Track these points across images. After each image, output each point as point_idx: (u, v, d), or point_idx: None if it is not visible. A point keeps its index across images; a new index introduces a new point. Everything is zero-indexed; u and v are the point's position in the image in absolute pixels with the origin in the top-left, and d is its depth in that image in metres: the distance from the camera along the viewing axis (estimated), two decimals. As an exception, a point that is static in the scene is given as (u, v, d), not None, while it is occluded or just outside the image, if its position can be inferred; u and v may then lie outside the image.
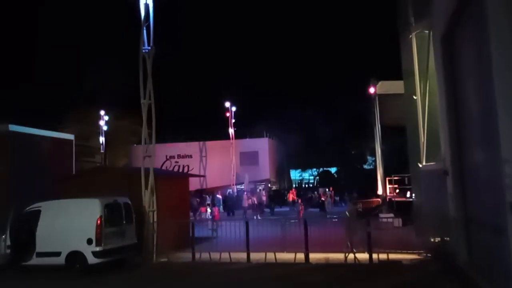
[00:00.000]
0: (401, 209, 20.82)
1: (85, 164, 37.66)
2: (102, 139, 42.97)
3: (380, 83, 20.83)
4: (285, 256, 12.94)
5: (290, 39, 63.26)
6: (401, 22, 14.59)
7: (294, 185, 44.90)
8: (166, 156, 46.84)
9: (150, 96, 14.78)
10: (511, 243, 6.98)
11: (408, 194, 23.94)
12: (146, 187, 14.30)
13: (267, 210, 32.23)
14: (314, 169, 48.41)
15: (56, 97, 41.34)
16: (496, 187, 8.11)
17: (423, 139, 13.62)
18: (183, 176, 18.30)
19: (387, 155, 31.79)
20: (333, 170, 46.19)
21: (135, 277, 11.92)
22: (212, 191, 36.58)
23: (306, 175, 50.21)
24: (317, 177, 47.77)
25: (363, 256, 12.58)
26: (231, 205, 31.00)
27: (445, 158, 12.37)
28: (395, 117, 26.00)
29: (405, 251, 12.71)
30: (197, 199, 28.10)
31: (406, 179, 25.81)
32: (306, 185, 48.55)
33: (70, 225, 12.09)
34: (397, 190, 26.94)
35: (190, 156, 45.32)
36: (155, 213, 14.33)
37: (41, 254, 12.15)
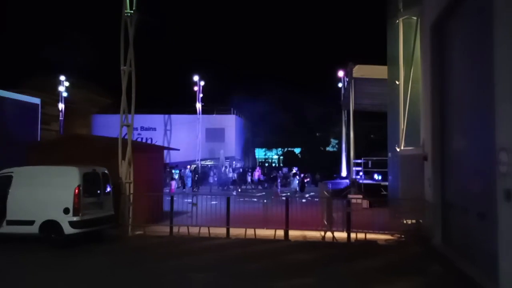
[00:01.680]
0: (368, 191, 21.52)
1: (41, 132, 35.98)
2: (61, 106, 41.05)
3: (357, 66, 21.04)
4: (264, 233, 13.05)
5: (268, 17, 62.91)
6: (390, 7, 14.72)
7: (258, 164, 45.16)
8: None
9: (131, 63, 14.20)
10: (500, 228, 7.35)
11: (375, 177, 24.72)
12: (123, 158, 13.87)
13: (231, 187, 32.34)
14: (280, 149, 48.83)
15: (14, 59, 39.06)
16: (485, 174, 8.50)
17: (403, 124, 13.96)
18: (159, 149, 17.86)
19: (357, 138, 32.53)
20: (297, 150, 46.80)
21: (115, 250, 11.58)
22: (174, 166, 36.14)
23: (271, 154, 50.58)
24: (281, 157, 48.25)
25: (339, 235, 12.90)
26: (198, 180, 30.81)
27: (424, 143, 12.78)
28: (367, 102, 26.60)
29: (379, 232, 13.10)
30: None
31: (370, 162, 26.53)
32: (268, 164, 48.92)
33: (45, 193, 11.52)
34: (361, 173, 27.74)
35: (154, 129, 44.41)
36: (132, 185, 13.95)
37: (12, 222, 11.55)
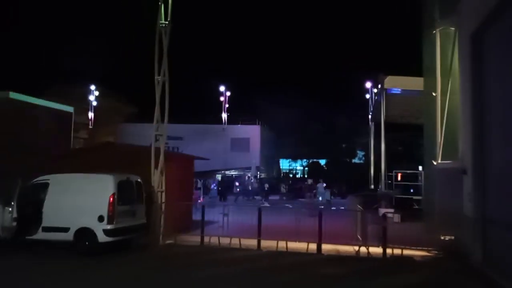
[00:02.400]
0: (399, 204, 21.00)
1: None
2: (91, 115, 41.93)
3: (388, 78, 20.73)
4: (296, 245, 12.82)
5: (299, 27, 63.03)
6: (426, 18, 14.45)
7: (282, 174, 44.94)
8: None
9: (165, 73, 14.31)
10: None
11: (412, 190, 24.14)
12: (155, 167, 13.91)
13: (258, 197, 32.19)
14: (305, 160, 48.51)
15: (41, 66, 40.20)
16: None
17: (440, 136, 13.58)
18: (190, 158, 17.91)
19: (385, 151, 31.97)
20: (322, 162, 46.37)
21: (146, 259, 11.55)
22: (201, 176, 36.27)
23: (296, 165, 50.28)
24: (306, 168, 47.89)
25: (373, 250, 12.56)
26: (223, 190, 30.79)
27: (463, 157, 12.37)
28: (396, 114, 26.16)
29: (415, 247, 12.69)
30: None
31: (399, 175, 25.94)
32: (292, 175, 48.61)
33: (80, 201, 11.62)
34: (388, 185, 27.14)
35: (181, 138, 44.74)
36: (163, 193, 13.98)
37: (47, 229, 11.66)
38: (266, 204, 22.94)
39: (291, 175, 46.27)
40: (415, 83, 20.07)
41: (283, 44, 66.68)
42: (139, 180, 12.80)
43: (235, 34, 65.26)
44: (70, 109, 20.65)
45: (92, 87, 41.99)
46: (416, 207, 21.62)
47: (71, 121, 20.29)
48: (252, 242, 13.01)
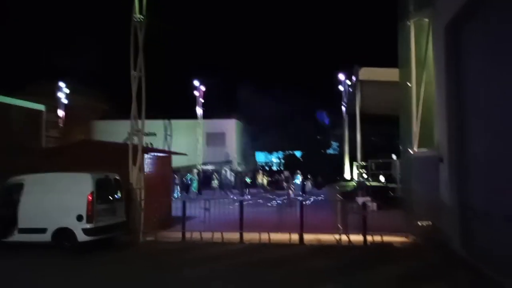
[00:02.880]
0: (375, 193, 21.37)
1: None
2: (62, 113, 40.71)
3: (362, 69, 20.97)
4: (278, 237, 12.88)
5: (269, 19, 62.85)
6: (401, 9, 14.63)
7: (259, 167, 44.98)
8: (128, 133, 45.34)
9: (141, 68, 14.05)
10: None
11: (382, 179, 24.63)
12: (133, 163, 13.68)
13: (235, 191, 32.13)
14: (280, 152, 48.70)
15: (12, 64, 38.82)
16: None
17: (416, 126, 13.85)
18: (167, 154, 17.67)
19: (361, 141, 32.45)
20: (298, 154, 46.70)
21: (130, 258, 11.35)
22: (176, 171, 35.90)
23: (272, 157, 50.42)
24: (282, 160, 48.10)
25: (354, 237, 12.76)
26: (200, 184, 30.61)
27: (439, 145, 12.67)
28: (372, 105, 26.52)
29: (393, 234, 12.96)
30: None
31: (373, 164, 26.38)
32: (269, 168, 48.77)
33: (58, 201, 11.33)
34: (364, 175, 27.65)
35: (154, 134, 44.08)
36: (142, 190, 13.76)
37: (24, 230, 11.35)
38: (247, 197, 22.93)
39: (267, 168, 46.34)
40: (390, 74, 20.40)
41: (257, 36, 66.55)
42: (117, 177, 12.56)
43: (210, 26, 64.61)
44: (40, 107, 20.00)
45: (62, 84, 40.68)
46: (392, 195, 22.09)
47: (42, 119, 19.66)
48: (234, 236, 12.99)
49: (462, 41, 11.68)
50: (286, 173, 39.27)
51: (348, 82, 34.50)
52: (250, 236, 13.03)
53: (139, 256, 11.50)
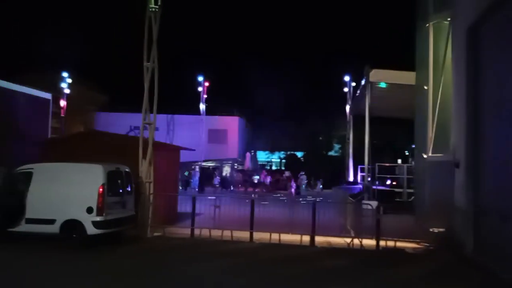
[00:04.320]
0: (381, 197, 21.20)
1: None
2: (63, 103, 40.30)
3: (373, 71, 20.68)
4: (288, 237, 12.69)
5: (277, 17, 62.33)
6: (420, 11, 14.45)
7: (262, 167, 44.85)
8: (130, 126, 45.07)
9: (154, 60, 13.79)
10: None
11: (388, 183, 24.45)
12: (143, 157, 13.43)
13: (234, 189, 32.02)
14: (282, 152, 48.49)
15: (11, 52, 38.41)
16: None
17: (431, 130, 13.67)
18: (176, 149, 17.43)
19: (360, 143, 32.22)
20: (299, 154, 46.53)
21: (141, 253, 11.08)
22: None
23: (274, 157, 50.21)
24: (283, 160, 47.93)
25: (365, 242, 12.56)
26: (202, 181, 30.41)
27: (455, 150, 12.49)
28: (380, 107, 26.30)
29: (404, 239, 12.76)
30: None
31: (377, 168, 26.16)
32: (269, 167, 48.63)
33: (67, 191, 11.03)
34: (369, 178, 27.42)
35: (157, 129, 43.71)
36: (152, 184, 13.52)
37: (31, 221, 11.05)
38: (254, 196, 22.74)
39: (267, 167, 46.17)
40: (401, 76, 20.19)
41: (264, 35, 66.00)
42: (128, 170, 12.31)
43: (214, 23, 64.20)
44: (47, 95, 19.67)
45: (65, 74, 40.28)
46: (398, 199, 21.94)
47: (49, 108, 19.34)
48: (244, 234, 12.78)
49: (482, 44, 11.50)
50: (287, 173, 39.25)
51: (353, 84, 34.40)
52: (260, 236, 12.83)
53: (151, 252, 11.22)
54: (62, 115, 40.79)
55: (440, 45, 13.69)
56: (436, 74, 13.75)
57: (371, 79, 21.13)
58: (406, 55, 18.37)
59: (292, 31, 66.94)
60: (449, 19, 13.29)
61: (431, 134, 13.67)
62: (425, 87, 14.09)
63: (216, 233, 12.98)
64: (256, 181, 31.09)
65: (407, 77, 19.74)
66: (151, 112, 14.09)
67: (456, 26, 12.63)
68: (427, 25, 14.08)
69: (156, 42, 13.77)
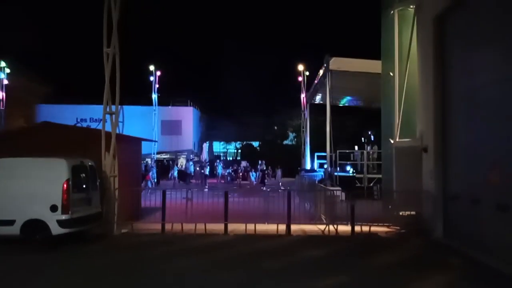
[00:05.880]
0: (343, 183, 21.55)
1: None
2: (2, 94, 37.52)
3: (333, 59, 20.85)
4: (263, 228, 12.50)
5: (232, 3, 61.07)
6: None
7: (220, 158, 44.35)
8: (77, 118, 43.04)
9: (115, 46, 12.94)
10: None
11: (348, 169, 24.91)
12: (107, 150, 12.62)
13: (193, 181, 31.36)
14: (238, 142, 48.19)
15: None
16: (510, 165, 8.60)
17: (398, 116, 13.90)
18: (138, 141, 16.60)
19: (315, 132, 32.69)
20: (255, 144, 46.49)
21: (104, 251, 10.40)
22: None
23: (230, 147, 49.79)
24: (239, 150, 47.70)
25: (340, 228, 12.63)
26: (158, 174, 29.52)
27: (423, 135, 12.79)
28: (339, 96, 26.69)
29: (377, 224, 12.96)
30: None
31: (338, 154, 26.44)
32: (224, 158, 48.25)
33: (28, 189, 10.12)
34: (325, 165, 27.84)
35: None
36: (116, 178, 12.77)
37: (-13, 223, 10.04)
38: (205, 189, 22.25)
39: (223, 158, 45.74)
40: (361, 64, 20.50)
41: (219, 24, 64.88)
42: (92, 164, 11.52)
43: (167, 11, 62.20)
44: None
45: (2, 64, 37.44)
46: (359, 185, 22.43)
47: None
48: (218, 227, 12.41)
49: (448, 32, 11.78)
50: (244, 163, 39.07)
51: (307, 73, 34.72)
52: (234, 227, 12.53)
53: (120, 250, 10.54)
54: (2, 108, 38.12)
55: (405, 32, 13.89)
56: (401, 62, 13.96)
57: (331, 67, 21.31)
58: (371, 43, 18.55)
59: (252, 19, 66.33)
60: (412, 6, 13.50)
61: (397, 120, 13.90)
62: (391, 74, 14.30)
63: (188, 226, 12.52)
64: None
65: (366, 65, 20.10)
66: (113, 103, 13.26)
67: (422, 14, 12.84)
68: (392, 12, 14.24)
69: (117, 26, 12.92)
